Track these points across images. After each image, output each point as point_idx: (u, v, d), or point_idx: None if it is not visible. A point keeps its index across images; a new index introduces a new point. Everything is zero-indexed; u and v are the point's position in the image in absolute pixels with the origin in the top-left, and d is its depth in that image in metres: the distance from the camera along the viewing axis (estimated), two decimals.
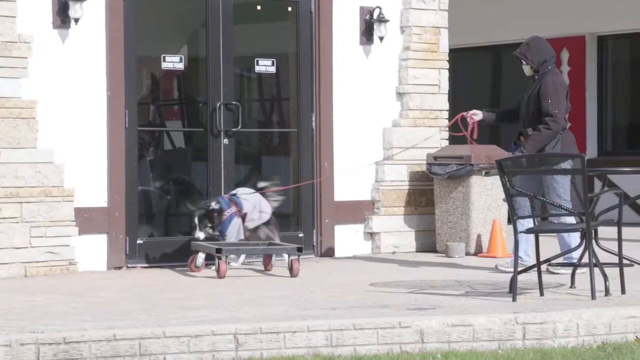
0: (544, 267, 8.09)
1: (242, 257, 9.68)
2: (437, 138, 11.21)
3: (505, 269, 8.85)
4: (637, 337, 6.91)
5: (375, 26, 10.84)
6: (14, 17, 9.21)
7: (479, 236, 10.78)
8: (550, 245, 8.94)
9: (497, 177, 9.07)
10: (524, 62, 9.02)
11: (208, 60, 10.21)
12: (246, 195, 9.57)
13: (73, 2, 9.42)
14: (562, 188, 8.60)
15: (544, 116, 8.85)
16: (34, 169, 9.29)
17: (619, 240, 7.75)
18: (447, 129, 10.28)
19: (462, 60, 14.99)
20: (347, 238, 10.75)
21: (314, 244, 10.61)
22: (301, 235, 10.53)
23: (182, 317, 6.91)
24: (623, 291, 7.68)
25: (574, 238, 8.56)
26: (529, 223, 8.21)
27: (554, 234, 8.83)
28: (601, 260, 7.68)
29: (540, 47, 9.02)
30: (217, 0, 10.21)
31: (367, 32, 10.87)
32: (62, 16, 9.47)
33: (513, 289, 7.54)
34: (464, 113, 9.63)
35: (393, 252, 10.89)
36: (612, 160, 13.93)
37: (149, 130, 10.36)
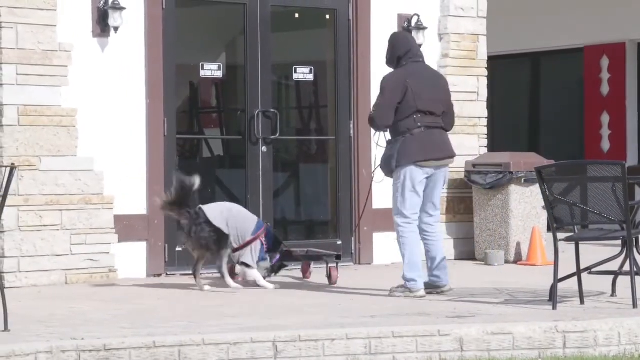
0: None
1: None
2: (475, 145, 11.18)
3: (399, 294, 8.17)
4: None
5: (413, 33, 10.81)
6: (55, 26, 9.28)
7: (518, 244, 10.73)
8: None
9: (536, 185, 9.04)
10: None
11: (246, 68, 10.24)
12: None
13: (112, 11, 9.48)
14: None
15: None
16: (74, 176, 9.35)
17: None
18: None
19: (500, 68, 14.93)
20: (386, 246, 10.73)
21: (353, 251, 10.60)
22: (340, 242, 10.53)
23: (221, 324, 6.92)
24: None
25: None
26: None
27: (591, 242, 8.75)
28: None
29: (394, 43, 8.34)
30: (256, 8, 10.24)
31: None
32: (102, 25, 9.53)
33: (553, 297, 7.50)
34: None
35: None
36: None
37: (188, 138, 10.40)
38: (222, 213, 8.79)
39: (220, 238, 8.71)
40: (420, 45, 10.84)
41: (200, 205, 8.80)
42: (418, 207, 8.22)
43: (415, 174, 8.16)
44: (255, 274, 8.84)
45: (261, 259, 8.85)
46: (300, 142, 10.98)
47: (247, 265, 8.82)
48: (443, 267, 8.29)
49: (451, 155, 8.36)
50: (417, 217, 8.24)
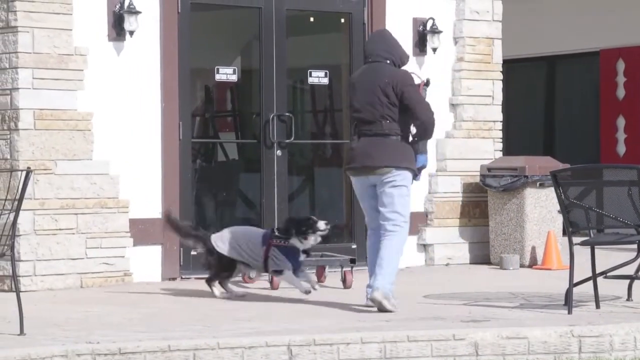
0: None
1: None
2: (491, 149, 11.16)
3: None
4: None
5: (428, 37, 10.82)
6: (70, 30, 9.31)
7: (533, 248, 10.71)
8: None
9: (552, 189, 8.99)
10: None
11: (261, 72, 10.25)
12: None
13: (128, 15, 9.50)
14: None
15: None
16: (89, 180, 9.38)
17: None
18: None
19: (516, 71, 14.91)
20: None
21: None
22: (354, 246, 10.52)
23: (235, 328, 6.93)
24: None
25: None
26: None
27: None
28: None
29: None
30: (271, 12, 10.26)
31: (420, 44, 10.85)
32: (118, 29, 9.55)
33: (569, 302, 7.48)
34: None
35: (447, 264, 10.85)
36: None
37: (203, 141, 10.42)
38: (229, 242, 8.67)
39: (229, 266, 8.62)
40: (435, 49, 10.88)
41: (212, 236, 8.67)
42: (370, 216, 7.89)
43: (352, 182, 7.99)
44: (287, 278, 8.69)
45: (285, 258, 8.71)
46: (315, 146, 10.98)
47: (279, 272, 8.71)
48: (374, 276, 7.70)
49: (372, 165, 7.73)
50: (371, 224, 7.89)
